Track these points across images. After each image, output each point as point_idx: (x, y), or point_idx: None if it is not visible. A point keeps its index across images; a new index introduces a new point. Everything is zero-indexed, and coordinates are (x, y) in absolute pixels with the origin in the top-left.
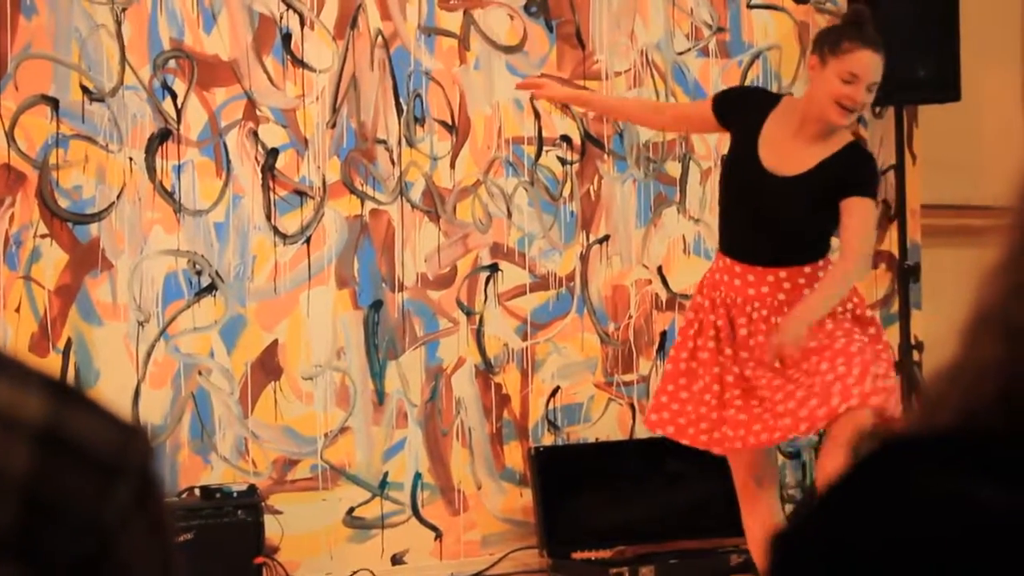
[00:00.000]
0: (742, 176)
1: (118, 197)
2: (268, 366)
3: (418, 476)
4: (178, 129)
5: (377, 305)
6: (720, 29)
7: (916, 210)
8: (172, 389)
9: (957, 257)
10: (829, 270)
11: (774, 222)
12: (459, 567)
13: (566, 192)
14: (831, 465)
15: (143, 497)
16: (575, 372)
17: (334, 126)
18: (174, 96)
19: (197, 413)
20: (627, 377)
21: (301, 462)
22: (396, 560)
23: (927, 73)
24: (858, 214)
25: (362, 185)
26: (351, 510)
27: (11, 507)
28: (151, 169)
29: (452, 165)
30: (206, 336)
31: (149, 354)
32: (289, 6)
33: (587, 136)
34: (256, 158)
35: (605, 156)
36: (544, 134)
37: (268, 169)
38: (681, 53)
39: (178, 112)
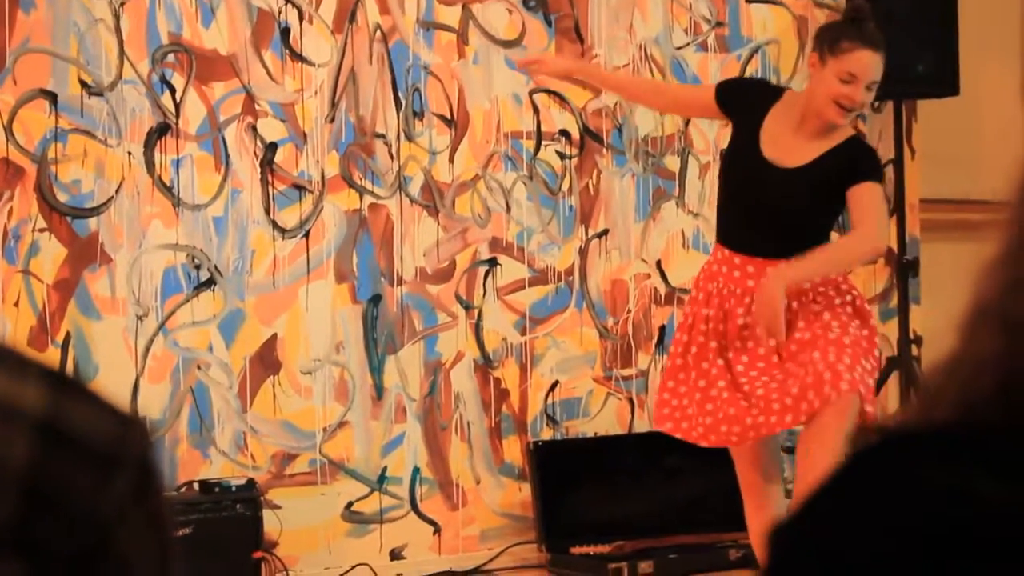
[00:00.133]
0: (743, 167)
1: (117, 191)
2: (267, 360)
3: (417, 470)
4: (177, 123)
5: (376, 299)
6: (719, 23)
7: (915, 205)
8: (171, 383)
9: (956, 251)
10: (838, 239)
11: (775, 214)
12: (458, 562)
13: (565, 186)
14: (817, 449)
15: (142, 489)
16: (574, 366)
17: (333, 120)
18: (173, 90)
19: (196, 407)
20: (626, 372)
21: (300, 456)
22: (395, 555)
23: (926, 68)
24: (869, 197)
25: (361, 179)
26: (350, 504)
27: (11, 499)
28: (150, 163)
29: (451, 159)
30: (205, 330)
31: (148, 348)
32: (288, 0)
33: (586, 130)
34: (255, 152)
35: (604, 150)
36: (543, 128)
37: (267, 163)
38: (680, 47)
39: (177, 106)
